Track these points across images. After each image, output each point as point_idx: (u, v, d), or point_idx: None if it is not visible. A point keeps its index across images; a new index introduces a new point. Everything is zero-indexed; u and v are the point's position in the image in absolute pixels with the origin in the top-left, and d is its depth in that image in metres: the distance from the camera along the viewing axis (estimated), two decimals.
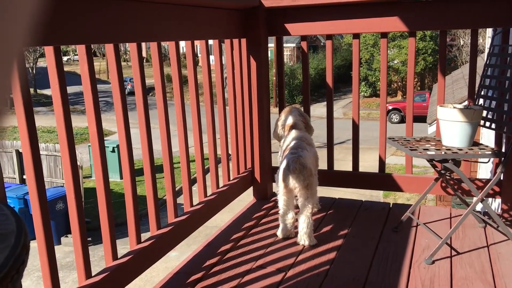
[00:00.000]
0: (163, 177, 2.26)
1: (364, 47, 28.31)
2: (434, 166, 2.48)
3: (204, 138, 2.53)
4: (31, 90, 30.90)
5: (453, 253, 2.25)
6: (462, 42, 25.10)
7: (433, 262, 2.15)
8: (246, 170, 3.03)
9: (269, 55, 3.04)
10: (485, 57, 2.51)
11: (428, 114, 10.90)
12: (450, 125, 2.26)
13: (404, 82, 28.80)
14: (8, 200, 10.91)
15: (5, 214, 0.53)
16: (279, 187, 2.39)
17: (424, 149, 2.26)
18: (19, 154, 14.13)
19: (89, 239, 10.22)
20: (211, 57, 2.65)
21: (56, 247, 10.64)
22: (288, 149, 2.43)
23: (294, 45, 32.65)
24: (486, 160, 2.41)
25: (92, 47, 1.76)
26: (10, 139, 16.28)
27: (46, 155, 13.07)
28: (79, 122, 18.58)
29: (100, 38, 1.77)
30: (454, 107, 2.28)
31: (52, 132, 21.56)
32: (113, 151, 14.25)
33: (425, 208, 2.87)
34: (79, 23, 1.60)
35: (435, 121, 2.47)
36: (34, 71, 31.02)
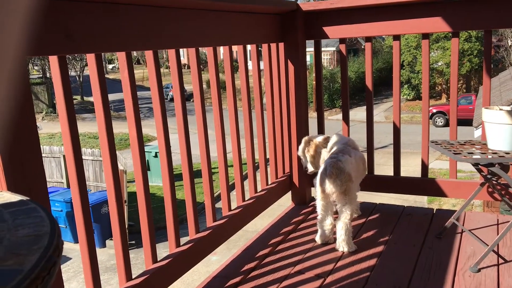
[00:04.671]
0: (202, 182, 2.28)
1: (406, 49, 27.73)
2: (479, 171, 2.39)
3: (242, 144, 2.54)
4: (78, 97, 32.04)
5: (501, 261, 2.15)
6: (510, 43, 24.13)
7: (479, 270, 2.07)
8: (285, 175, 3.02)
9: (309, 59, 3.03)
10: None
11: (474, 117, 10.55)
12: (496, 128, 2.17)
13: (448, 85, 27.96)
14: (56, 204, 11.29)
15: (41, 216, 0.55)
16: (317, 192, 2.37)
17: (469, 153, 2.18)
18: None
19: (133, 242, 10.46)
20: (249, 62, 2.66)
21: (102, 250, 10.98)
22: (330, 154, 2.41)
23: (334, 48, 32.40)
24: None
25: (136, 54, 1.80)
26: (59, 144, 16.91)
27: (92, 160, 13.51)
28: (124, 128, 19.07)
29: (139, 45, 1.81)
30: (500, 109, 2.19)
31: (98, 138, 22.18)
32: (156, 156, 14.53)
33: (471, 214, 2.77)
34: (119, 31, 1.65)
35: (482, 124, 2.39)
36: (81, 79, 32.13)
